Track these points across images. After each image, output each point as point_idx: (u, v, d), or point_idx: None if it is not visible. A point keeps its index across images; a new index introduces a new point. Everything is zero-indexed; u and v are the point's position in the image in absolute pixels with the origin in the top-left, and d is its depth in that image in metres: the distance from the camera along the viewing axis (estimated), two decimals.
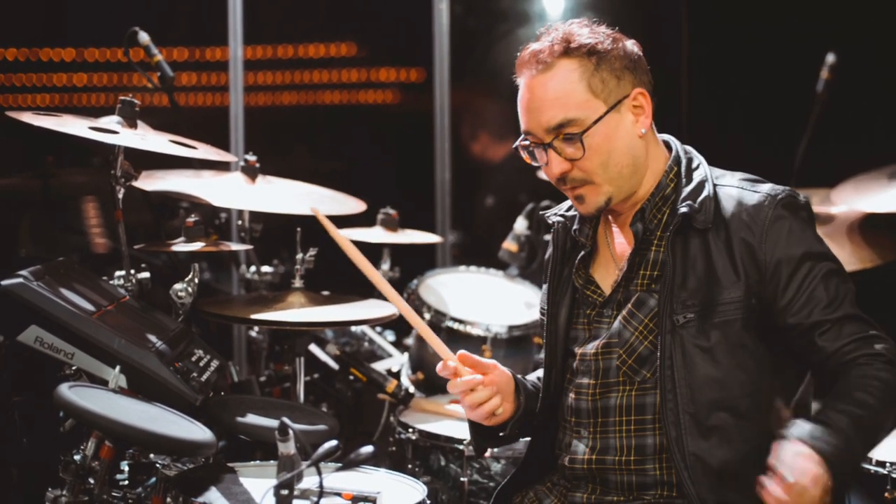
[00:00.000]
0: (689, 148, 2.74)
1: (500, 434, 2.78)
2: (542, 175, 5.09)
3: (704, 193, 2.61)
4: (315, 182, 4.22)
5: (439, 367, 2.64)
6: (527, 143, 2.65)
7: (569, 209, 2.83)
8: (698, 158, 2.72)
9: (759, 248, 2.54)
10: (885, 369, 2.47)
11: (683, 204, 2.59)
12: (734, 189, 2.63)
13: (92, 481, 2.72)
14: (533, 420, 2.79)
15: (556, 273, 2.81)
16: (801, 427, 2.38)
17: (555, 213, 2.86)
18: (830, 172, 4.59)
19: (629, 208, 2.69)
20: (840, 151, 5.09)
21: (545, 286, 2.86)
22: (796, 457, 2.30)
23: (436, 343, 2.66)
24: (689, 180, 2.65)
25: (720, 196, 2.62)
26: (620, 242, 2.73)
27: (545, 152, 2.61)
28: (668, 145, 2.74)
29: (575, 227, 2.78)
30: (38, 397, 3.13)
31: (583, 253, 2.76)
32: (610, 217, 2.76)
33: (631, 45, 2.65)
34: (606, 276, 2.73)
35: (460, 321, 4.38)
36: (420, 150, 6.21)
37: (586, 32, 2.61)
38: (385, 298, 2.70)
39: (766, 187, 2.62)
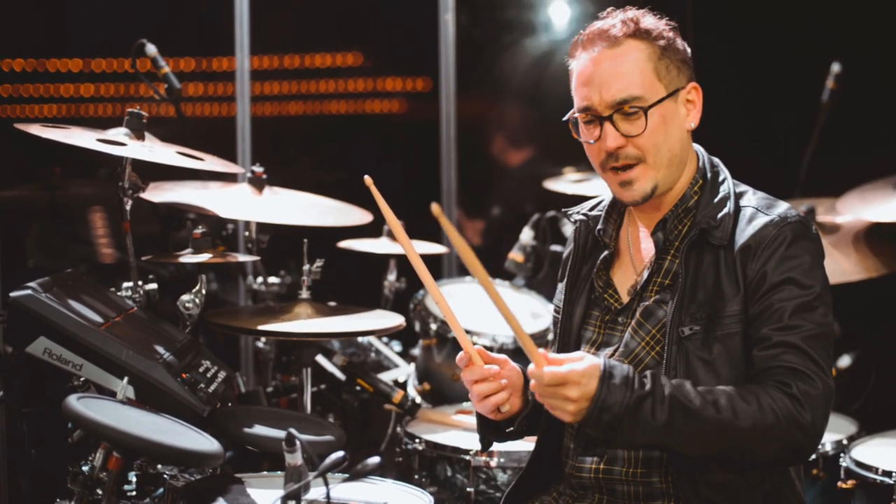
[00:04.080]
0: (716, 160, 2.75)
1: (508, 430, 2.78)
2: (549, 185, 5.13)
3: (725, 210, 2.62)
4: (321, 193, 4.22)
5: (459, 355, 2.65)
6: (586, 117, 2.64)
7: (591, 209, 2.84)
8: (724, 172, 2.72)
9: (751, 259, 2.54)
10: (777, 399, 2.40)
11: (703, 218, 2.61)
12: (751, 209, 2.63)
13: (100, 492, 2.73)
14: (541, 417, 2.79)
15: (575, 271, 2.81)
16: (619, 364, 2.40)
17: (577, 212, 2.86)
18: (836, 182, 4.59)
19: (664, 206, 2.68)
20: (845, 161, 5.08)
21: (561, 284, 2.86)
22: (588, 364, 2.36)
23: (460, 333, 2.67)
24: (714, 194, 2.66)
25: (738, 214, 2.62)
26: (645, 248, 2.73)
27: (601, 127, 2.61)
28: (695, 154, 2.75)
29: (599, 227, 2.78)
30: (46, 408, 3.14)
31: (605, 254, 2.77)
32: (639, 220, 2.76)
33: (684, 43, 2.69)
34: (624, 281, 2.74)
35: (466, 332, 4.35)
36: (426, 160, 6.21)
37: (653, 20, 2.66)
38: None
39: (781, 209, 2.61)
